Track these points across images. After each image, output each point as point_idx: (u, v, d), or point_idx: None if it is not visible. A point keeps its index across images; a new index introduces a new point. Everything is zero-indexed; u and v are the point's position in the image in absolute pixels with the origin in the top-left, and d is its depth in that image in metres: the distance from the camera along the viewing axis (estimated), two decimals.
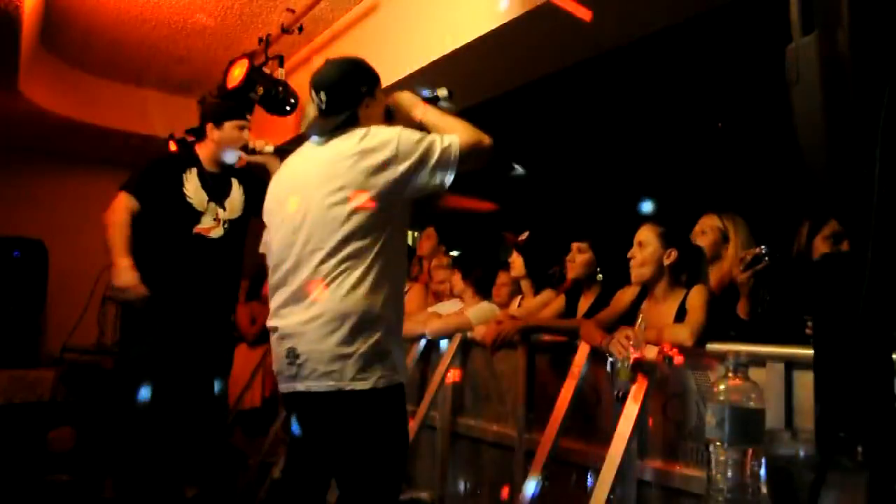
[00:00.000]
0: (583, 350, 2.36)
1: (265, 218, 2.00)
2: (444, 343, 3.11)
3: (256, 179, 2.90)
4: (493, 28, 3.03)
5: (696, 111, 5.02)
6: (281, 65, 3.92)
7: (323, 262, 1.74)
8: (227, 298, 2.93)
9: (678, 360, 2.03)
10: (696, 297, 2.20)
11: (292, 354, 1.76)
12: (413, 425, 2.91)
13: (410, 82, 3.57)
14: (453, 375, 3.01)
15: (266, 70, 3.91)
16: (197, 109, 5.08)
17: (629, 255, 2.39)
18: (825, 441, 0.99)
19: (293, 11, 3.86)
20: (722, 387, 1.40)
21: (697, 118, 5.13)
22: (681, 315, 2.22)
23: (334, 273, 1.73)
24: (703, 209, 2.74)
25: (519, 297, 3.28)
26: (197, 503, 3.10)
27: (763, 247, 2.12)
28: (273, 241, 1.90)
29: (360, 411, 1.74)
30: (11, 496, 3.86)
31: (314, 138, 1.90)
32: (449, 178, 1.80)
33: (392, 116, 1.97)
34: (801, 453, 1.22)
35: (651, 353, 2.09)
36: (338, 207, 1.73)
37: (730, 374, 1.41)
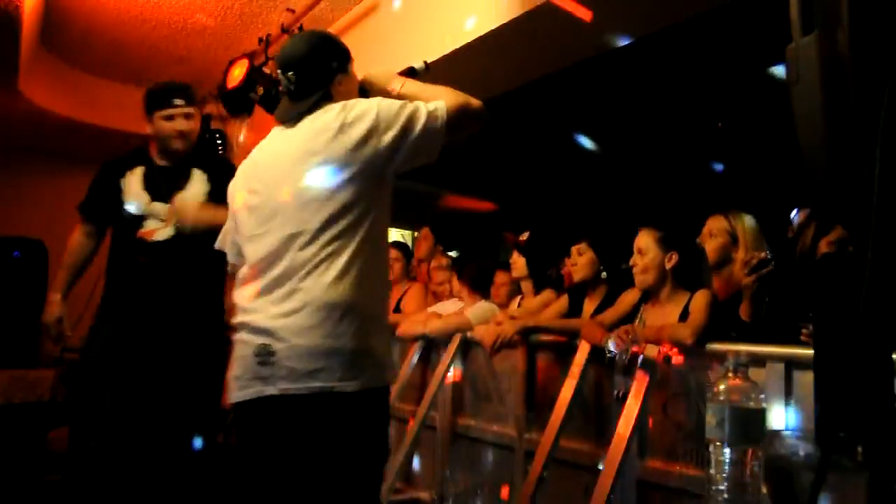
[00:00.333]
0: (583, 350, 2.36)
1: (230, 211, 1.80)
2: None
3: (229, 167, 2.62)
4: (493, 28, 3.03)
5: (695, 111, 5.02)
6: None
7: (304, 247, 1.55)
8: (197, 301, 2.58)
9: (677, 359, 2.03)
10: (700, 300, 2.20)
11: (265, 353, 1.53)
12: (413, 425, 2.91)
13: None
14: (453, 375, 3.01)
15: (266, 70, 3.91)
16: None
17: (630, 262, 2.39)
18: (825, 441, 0.99)
19: (293, 11, 3.85)
20: (722, 387, 1.40)
21: (697, 118, 5.13)
22: (685, 318, 2.22)
23: (318, 258, 1.54)
24: (702, 209, 2.73)
25: (519, 297, 3.28)
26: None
27: (768, 252, 2.11)
28: (241, 234, 1.70)
29: (347, 416, 1.53)
30: (11, 496, 3.86)
31: (283, 125, 1.72)
32: (438, 146, 1.63)
33: (367, 95, 1.78)
34: (801, 453, 1.22)
35: (651, 351, 2.09)
36: (319, 185, 1.55)
37: (730, 374, 1.41)
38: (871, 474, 0.94)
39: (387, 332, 1.68)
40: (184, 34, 4.43)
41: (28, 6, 3.62)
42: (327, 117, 1.60)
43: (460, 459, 2.99)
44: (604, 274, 2.85)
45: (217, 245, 1.86)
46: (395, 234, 7.53)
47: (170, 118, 2.59)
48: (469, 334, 2.97)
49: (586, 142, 5.79)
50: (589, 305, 2.81)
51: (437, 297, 3.77)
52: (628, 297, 2.47)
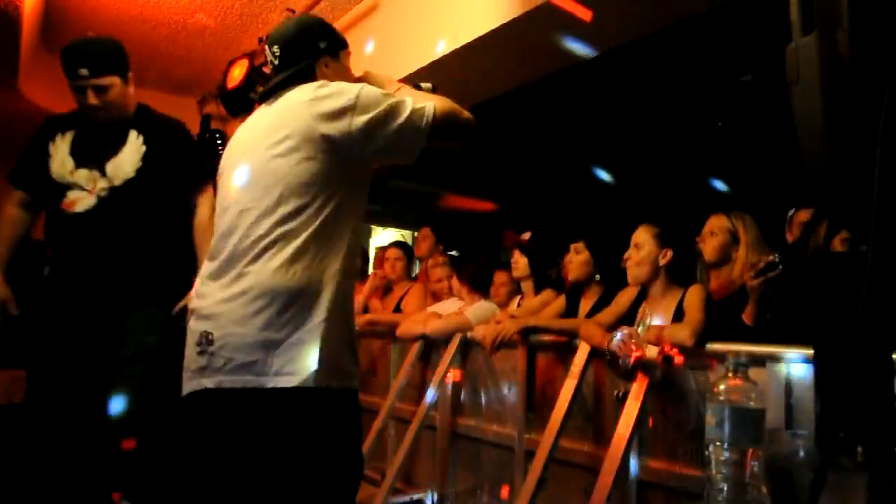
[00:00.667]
0: (583, 350, 2.36)
1: None
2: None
3: (172, 131, 2.41)
4: (493, 28, 3.03)
5: (695, 111, 5.02)
6: None
7: (254, 224, 1.39)
8: (130, 284, 2.25)
9: (678, 360, 2.03)
10: (694, 297, 2.21)
11: (205, 341, 1.36)
12: (413, 425, 2.91)
13: (410, 82, 3.57)
14: (453, 375, 3.01)
15: (266, 70, 3.91)
16: (197, 109, 5.09)
17: (625, 256, 2.40)
18: (825, 441, 0.99)
19: (293, 11, 3.85)
20: (722, 387, 1.40)
21: (697, 118, 5.13)
22: (678, 315, 2.23)
23: (268, 239, 1.38)
24: (701, 209, 2.73)
25: (518, 297, 3.27)
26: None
27: (776, 255, 2.09)
28: (215, 216, 1.57)
29: (284, 417, 1.33)
30: (12, 496, 3.86)
31: (266, 99, 1.61)
32: (418, 146, 1.49)
33: None
34: (801, 453, 1.22)
35: (651, 352, 2.09)
36: (279, 159, 1.41)
37: (730, 374, 1.41)
38: (871, 474, 0.94)
39: (347, 329, 1.44)
40: (184, 34, 4.43)
41: (28, 6, 3.62)
42: (302, 92, 1.49)
43: (460, 459, 2.99)
44: (597, 276, 2.84)
45: None
46: (395, 235, 7.54)
47: (79, 91, 2.25)
48: (469, 334, 2.97)
49: (586, 142, 5.78)
50: (585, 305, 2.82)
51: (436, 297, 3.77)
52: (625, 296, 2.47)
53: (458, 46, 3.20)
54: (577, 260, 2.84)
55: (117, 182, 2.26)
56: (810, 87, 0.94)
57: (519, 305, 3.19)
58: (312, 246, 1.39)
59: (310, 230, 1.39)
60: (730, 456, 1.35)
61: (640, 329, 2.12)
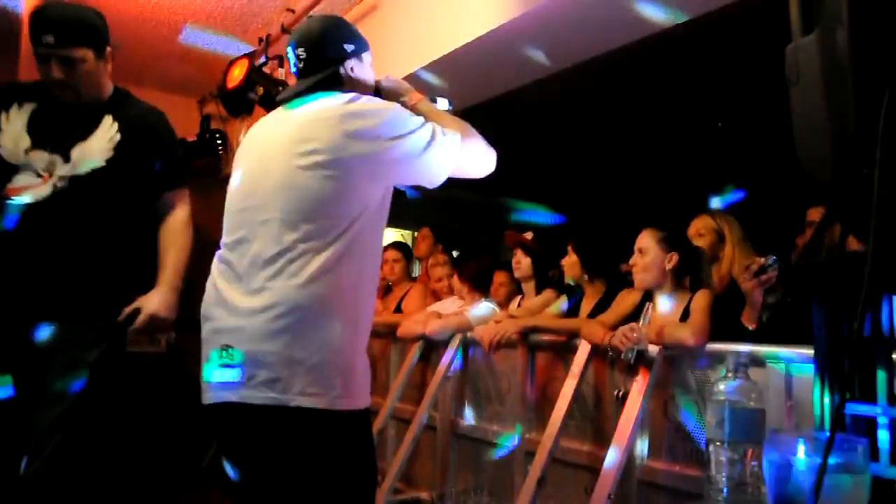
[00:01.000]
0: (583, 350, 2.36)
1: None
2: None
3: (153, 121, 2.11)
4: (492, 28, 3.03)
5: (694, 111, 5.02)
6: (281, 65, 3.92)
7: (277, 236, 1.38)
8: (83, 291, 1.92)
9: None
10: (700, 300, 2.20)
11: (227, 354, 1.37)
12: (413, 425, 2.91)
13: (410, 82, 3.57)
14: (453, 375, 3.01)
15: (266, 70, 3.91)
16: (197, 109, 5.10)
17: (630, 262, 2.39)
18: (825, 441, 0.99)
19: (293, 11, 3.86)
20: (722, 387, 1.39)
21: (696, 118, 5.14)
22: (685, 318, 2.22)
23: (291, 254, 1.37)
24: (697, 210, 2.75)
25: (519, 297, 3.27)
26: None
27: (772, 256, 2.10)
28: (228, 209, 1.54)
29: (307, 436, 1.34)
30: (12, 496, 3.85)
31: (291, 102, 1.56)
32: (444, 174, 1.52)
33: (381, 97, 1.66)
34: (801, 453, 1.22)
35: (653, 348, 2.09)
36: (306, 172, 1.39)
37: (730, 374, 1.41)
38: (871, 474, 0.94)
39: (364, 350, 1.46)
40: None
41: (28, 6, 3.62)
42: (332, 103, 1.46)
43: (460, 459, 2.99)
44: (585, 276, 2.83)
45: None
46: (395, 235, 7.53)
47: (43, 61, 1.92)
48: (469, 334, 2.97)
49: (583, 142, 5.79)
50: (586, 306, 2.82)
51: (436, 296, 3.77)
52: (628, 298, 2.47)
53: (458, 46, 3.20)
54: (568, 262, 2.87)
55: (82, 170, 1.92)
56: (810, 87, 0.94)
57: (519, 305, 3.19)
58: (340, 264, 1.39)
59: (336, 247, 1.39)
60: (730, 456, 1.35)
61: (642, 324, 2.11)
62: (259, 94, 3.72)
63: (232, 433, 1.41)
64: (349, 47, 1.59)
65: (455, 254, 4.13)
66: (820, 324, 1.08)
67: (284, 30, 3.89)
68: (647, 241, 2.36)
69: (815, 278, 1.10)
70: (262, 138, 1.55)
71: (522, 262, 3.15)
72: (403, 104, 1.60)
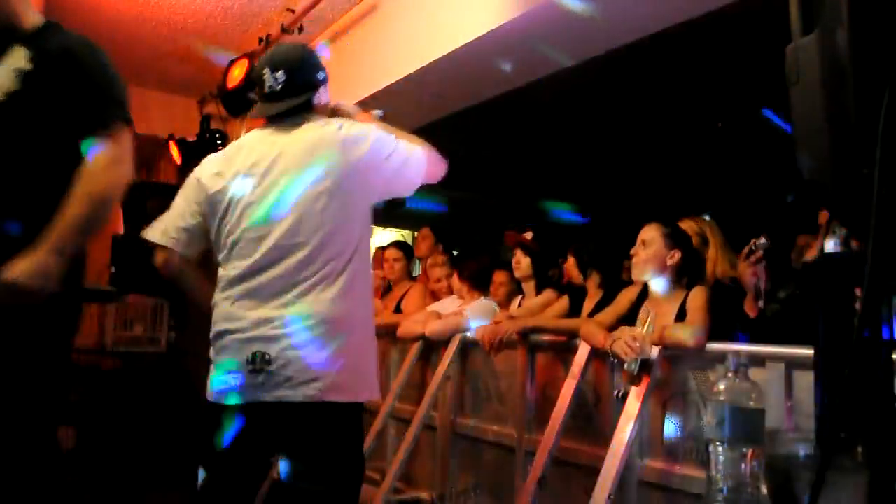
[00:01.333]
0: (583, 350, 2.36)
1: (208, 200, 1.69)
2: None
3: (77, 50, 1.80)
4: (493, 28, 3.03)
5: (694, 112, 5.02)
6: None
7: (310, 257, 1.58)
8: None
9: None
10: (697, 298, 2.20)
11: (262, 360, 1.55)
12: (413, 425, 2.91)
13: (410, 82, 3.58)
14: (453, 375, 3.01)
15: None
16: (197, 109, 5.10)
17: (631, 252, 2.38)
18: (825, 441, 0.99)
19: (293, 11, 3.86)
20: (722, 387, 1.39)
21: (696, 119, 5.14)
22: (681, 316, 2.22)
23: (322, 271, 1.58)
24: (685, 212, 2.76)
25: (519, 297, 3.27)
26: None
27: (762, 238, 2.12)
28: (228, 230, 1.66)
29: (334, 425, 1.60)
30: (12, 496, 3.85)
31: (269, 123, 1.72)
32: (417, 184, 1.75)
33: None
34: (801, 453, 1.22)
35: (654, 352, 2.09)
36: (324, 197, 1.59)
37: (730, 374, 1.41)
38: (871, 474, 0.94)
39: (375, 349, 1.73)
40: (184, 34, 4.43)
41: None
42: (328, 130, 1.66)
43: (460, 459, 2.99)
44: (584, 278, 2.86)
45: (157, 238, 1.71)
46: (395, 235, 7.53)
47: None
48: (469, 334, 2.97)
49: (582, 142, 5.79)
50: (587, 305, 2.81)
51: (436, 296, 3.76)
52: (627, 296, 2.46)
53: (458, 46, 3.20)
54: (569, 265, 2.88)
55: None
56: (810, 87, 0.94)
57: (520, 305, 3.19)
58: (356, 277, 1.63)
59: (352, 263, 1.62)
60: (730, 456, 1.35)
61: (642, 330, 2.11)
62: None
63: (274, 428, 1.59)
64: (321, 76, 1.78)
65: (454, 253, 4.14)
66: (820, 324, 1.08)
67: (284, 30, 3.89)
68: (652, 233, 2.34)
69: (815, 278, 1.10)
70: (264, 159, 1.66)
71: (522, 262, 3.15)
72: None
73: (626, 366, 2.07)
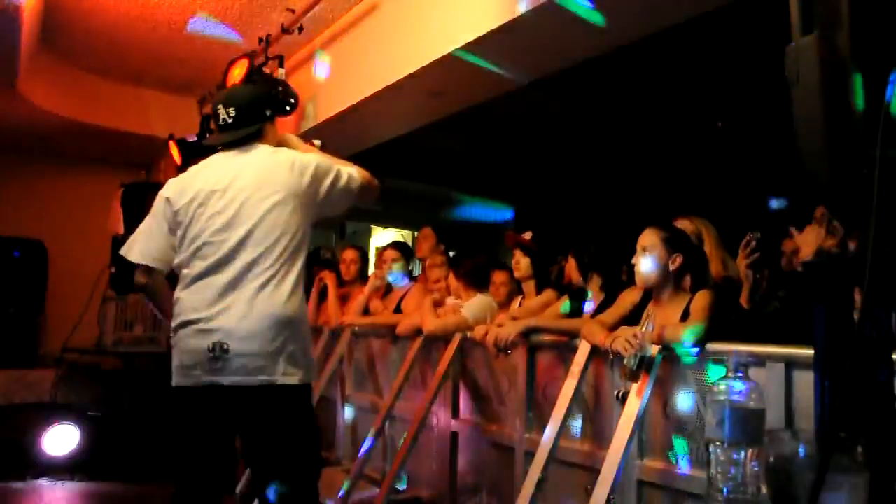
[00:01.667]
0: (583, 350, 2.36)
1: (175, 215, 1.98)
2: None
3: None
4: (493, 28, 3.02)
5: (693, 112, 5.02)
6: (281, 65, 3.92)
7: (262, 259, 1.87)
8: None
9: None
10: (701, 300, 2.19)
11: (219, 349, 1.82)
12: (413, 425, 2.91)
13: (410, 82, 3.58)
14: (453, 375, 3.01)
15: (266, 70, 3.91)
16: (197, 109, 5.10)
17: (633, 260, 2.36)
18: (825, 441, 0.99)
19: (293, 11, 3.85)
20: (722, 387, 1.39)
21: (695, 119, 5.13)
22: (685, 319, 2.21)
23: (271, 273, 1.88)
24: (681, 212, 2.75)
25: (520, 297, 3.27)
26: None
27: (757, 232, 2.14)
28: (193, 236, 1.93)
29: (289, 403, 1.89)
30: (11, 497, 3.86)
31: (226, 149, 2.05)
32: (350, 204, 2.10)
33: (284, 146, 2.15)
34: (801, 453, 1.22)
35: (654, 351, 2.09)
36: (277, 209, 1.91)
37: (730, 374, 1.41)
38: (871, 474, 0.94)
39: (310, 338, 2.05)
40: (184, 34, 4.43)
41: (28, 6, 3.61)
42: (281, 157, 2.00)
43: (460, 459, 2.99)
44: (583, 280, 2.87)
45: (136, 258, 1.99)
46: (395, 235, 7.52)
47: None
48: (469, 334, 2.96)
49: (582, 143, 5.78)
50: (588, 307, 2.81)
51: (437, 303, 3.74)
52: (628, 297, 2.46)
53: (457, 46, 3.20)
54: (569, 267, 2.88)
55: None
56: (810, 88, 0.94)
57: (520, 305, 3.19)
58: (300, 279, 1.94)
59: (297, 267, 1.94)
60: (730, 456, 1.35)
61: (643, 330, 2.10)
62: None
63: (229, 407, 1.86)
64: (268, 112, 2.11)
65: (451, 254, 4.12)
66: (820, 324, 1.08)
67: (284, 30, 3.89)
68: (651, 239, 2.31)
69: (815, 278, 1.10)
70: (225, 178, 1.96)
71: (521, 263, 3.15)
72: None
73: (625, 361, 2.06)
